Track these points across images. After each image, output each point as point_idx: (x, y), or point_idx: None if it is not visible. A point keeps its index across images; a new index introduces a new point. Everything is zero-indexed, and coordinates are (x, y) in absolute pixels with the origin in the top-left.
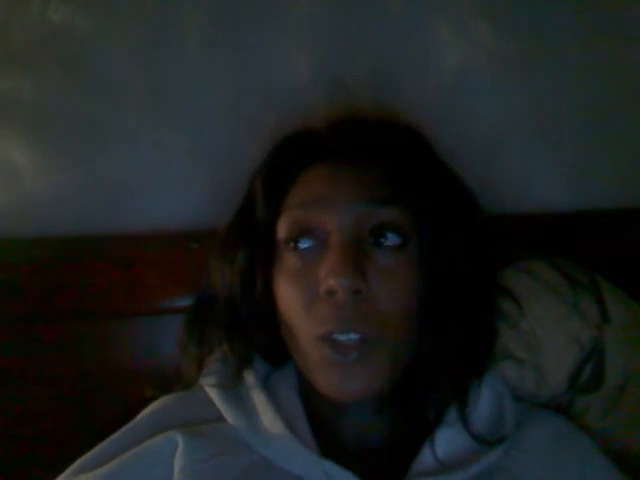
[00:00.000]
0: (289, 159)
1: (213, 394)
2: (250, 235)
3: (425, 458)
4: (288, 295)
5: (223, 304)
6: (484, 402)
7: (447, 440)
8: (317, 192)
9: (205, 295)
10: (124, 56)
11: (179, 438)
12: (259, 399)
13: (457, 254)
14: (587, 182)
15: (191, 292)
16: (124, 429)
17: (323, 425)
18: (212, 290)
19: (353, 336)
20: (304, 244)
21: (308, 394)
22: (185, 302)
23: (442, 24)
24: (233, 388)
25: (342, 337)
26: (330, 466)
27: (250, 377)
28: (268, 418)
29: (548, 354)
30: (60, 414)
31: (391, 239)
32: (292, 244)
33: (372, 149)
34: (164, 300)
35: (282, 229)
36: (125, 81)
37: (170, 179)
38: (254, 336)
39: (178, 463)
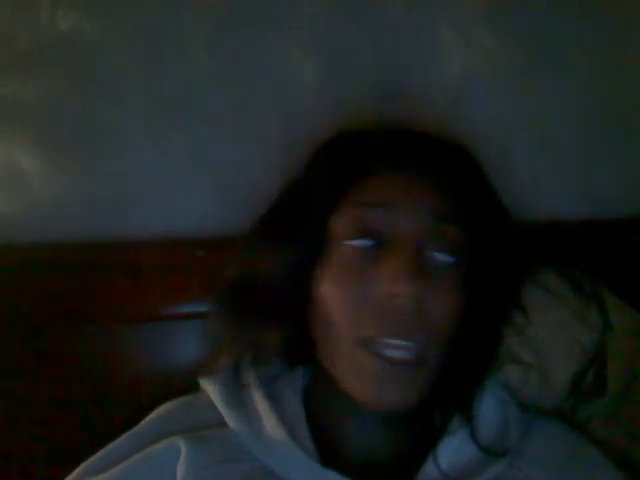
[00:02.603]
0: (353, 159)
1: (215, 398)
2: (298, 227)
3: (429, 470)
4: (337, 292)
5: (262, 293)
6: (488, 411)
7: (451, 451)
8: (389, 196)
9: (241, 285)
10: (129, 62)
11: (181, 444)
12: (262, 404)
13: (499, 276)
14: (592, 190)
15: (193, 298)
16: (127, 435)
17: (325, 434)
18: (248, 281)
19: (403, 343)
20: (365, 243)
21: (315, 401)
22: (190, 309)
23: (444, 30)
24: (236, 387)
25: (393, 341)
26: (334, 476)
27: (254, 380)
28: (270, 424)
29: (552, 357)
30: (63, 420)
31: (449, 256)
32: (354, 241)
33: (439, 165)
34: (168, 307)
35: (342, 225)
36: (131, 87)
37: (175, 185)
38: (284, 330)
39: (181, 469)
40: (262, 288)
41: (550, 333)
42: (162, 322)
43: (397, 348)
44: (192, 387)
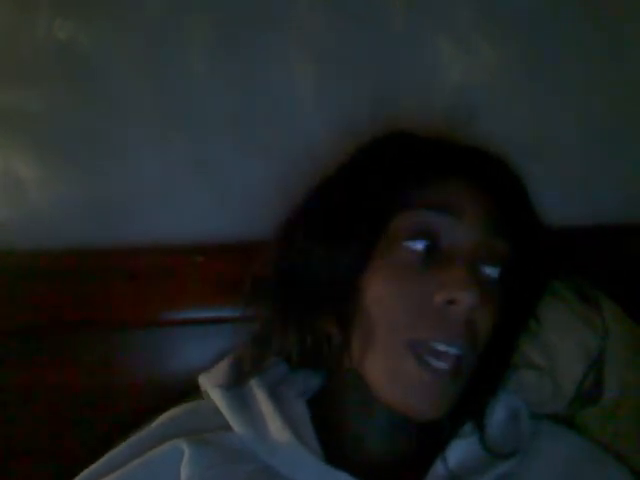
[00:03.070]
0: (427, 163)
1: (220, 402)
2: (358, 226)
3: (438, 470)
4: (392, 292)
5: (311, 290)
6: (499, 417)
7: (460, 452)
8: (455, 202)
9: (294, 279)
10: (128, 71)
11: (184, 446)
12: (266, 406)
13: (532, 293)
14: (592, 197)
15: (192, 304)
16: (129, 441)
17: (332, 435)
18: (298, 277)
19: (452, 350)
20: (426, 247)
21: (325, 403)
22: (188, 314)
23: (443, 41)
24: (240, 391)
25: (442, 348)
26: (342, 476)
27: (257, 383)
28: (275, 426)
29: (563, 362)
30: (60, 427)
31: (497, 271)
32: (413, 244)
33: (494, 179)
34: (167, 312)
35: (403, 226)
36: (129, 95)
37: (174, 192)
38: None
39: (185, 470)
40: (308, 285)
41: (561, 338)
42: (161, 328)
43: (443, 354)
44: (191, 392)
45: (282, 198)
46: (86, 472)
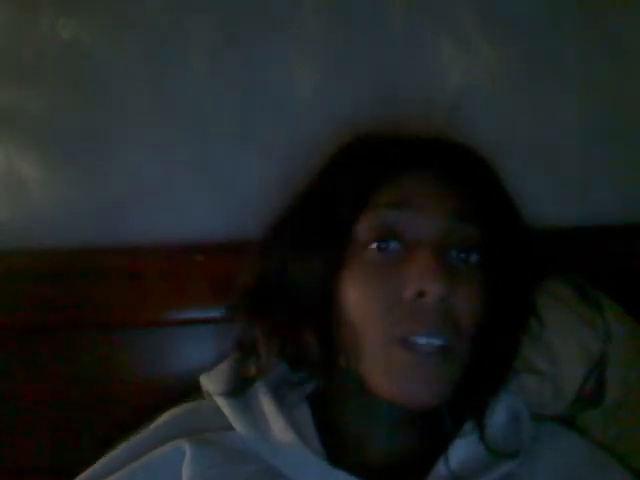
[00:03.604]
0: (381, 163)
1: (222, 403)
2: (323, 234)
3: (440, 470)
4: (364, 297)
5: (284, 299)
6: (500, 418)
7: (462, 452)
8: (409, 196)
9: (262, 291)
10: (128, 71)
11: (186, 446)
12: (268, 407)
13: (516, 278)
14: (591, 198)
15: (193, 304)
16: (132, 440)
17: (334, 436)
18: (269, 287)
19: (435, 341)
20: (390, 246)
21: (325, 404)
22: (189, 314)
23: (444, 42)
24: (242, 394)
25: (422, 340)
26: (345, 477)
27: (260, 385)
28: (278, 426)
29: (564, 364)
30: (63, 425)
31: (468, 255)
32: (378, 245)
33: (455, 167)
34: (168, 312)
35: (366, 229)
36: (132, 95)
37: (175, 192)
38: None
39: (186, 470)
40: (284, 294)
41: (563, 341)
42: (161, 327)
43: (427, 347)
44: (192, 392)
45: (282, 198)
46: (86, 473)
